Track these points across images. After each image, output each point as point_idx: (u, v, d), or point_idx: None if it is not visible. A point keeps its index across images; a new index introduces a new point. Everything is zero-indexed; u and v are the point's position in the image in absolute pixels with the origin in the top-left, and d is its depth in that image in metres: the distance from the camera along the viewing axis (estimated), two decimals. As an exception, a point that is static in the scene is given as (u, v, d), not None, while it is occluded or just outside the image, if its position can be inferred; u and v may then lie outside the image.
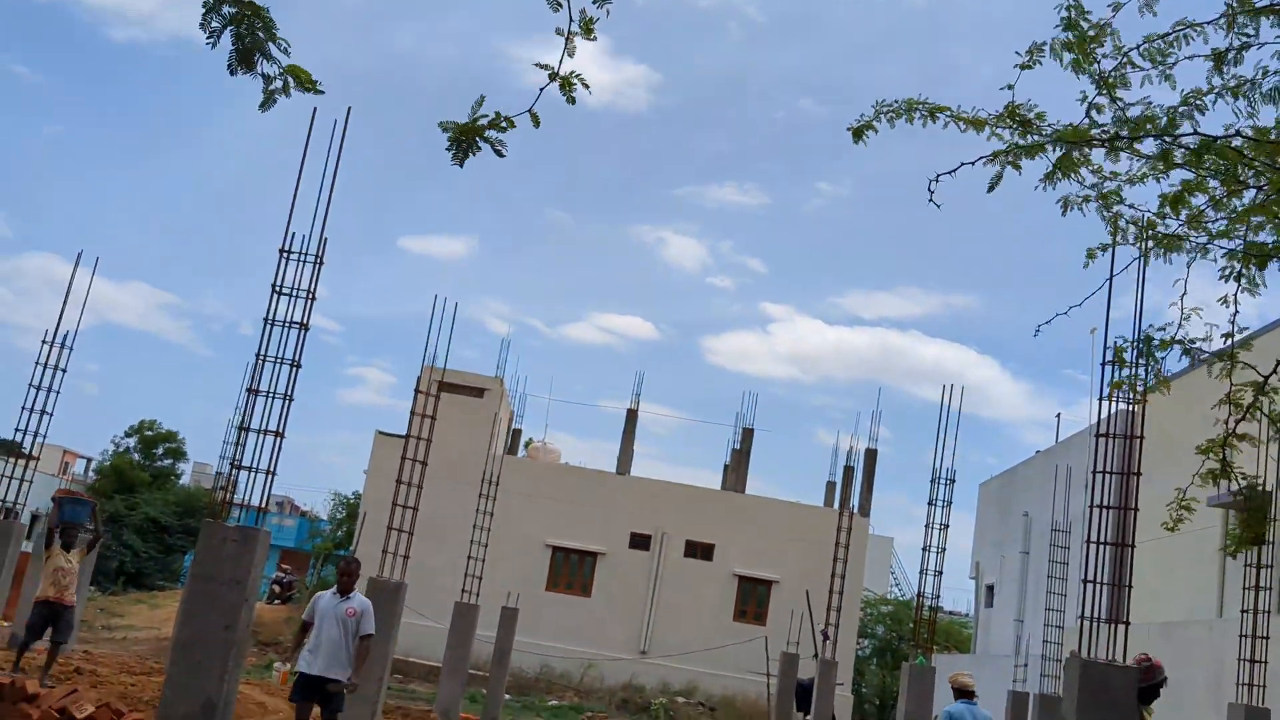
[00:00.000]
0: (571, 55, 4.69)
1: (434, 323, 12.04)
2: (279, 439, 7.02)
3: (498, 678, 18.10)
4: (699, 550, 31.44)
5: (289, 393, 7.07)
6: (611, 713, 24.33)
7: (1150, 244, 5.20)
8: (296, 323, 7.33)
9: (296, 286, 7.43)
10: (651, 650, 30.30)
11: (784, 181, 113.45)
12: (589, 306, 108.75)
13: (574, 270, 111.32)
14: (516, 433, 34.97)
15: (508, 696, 21.91)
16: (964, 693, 10.95)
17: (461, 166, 4.85)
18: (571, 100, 4.81)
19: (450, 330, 12.43)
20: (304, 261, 7.50)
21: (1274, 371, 4.41)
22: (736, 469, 33.91)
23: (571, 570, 31.32)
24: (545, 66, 4.78)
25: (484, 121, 4.80)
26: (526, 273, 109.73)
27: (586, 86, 4.79)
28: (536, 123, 4.84)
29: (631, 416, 33.25)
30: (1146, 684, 7.51)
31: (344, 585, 9.73)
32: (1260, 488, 9.23)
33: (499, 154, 4.91)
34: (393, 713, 15.53)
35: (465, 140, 4.75)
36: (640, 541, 31.31)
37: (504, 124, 4.79)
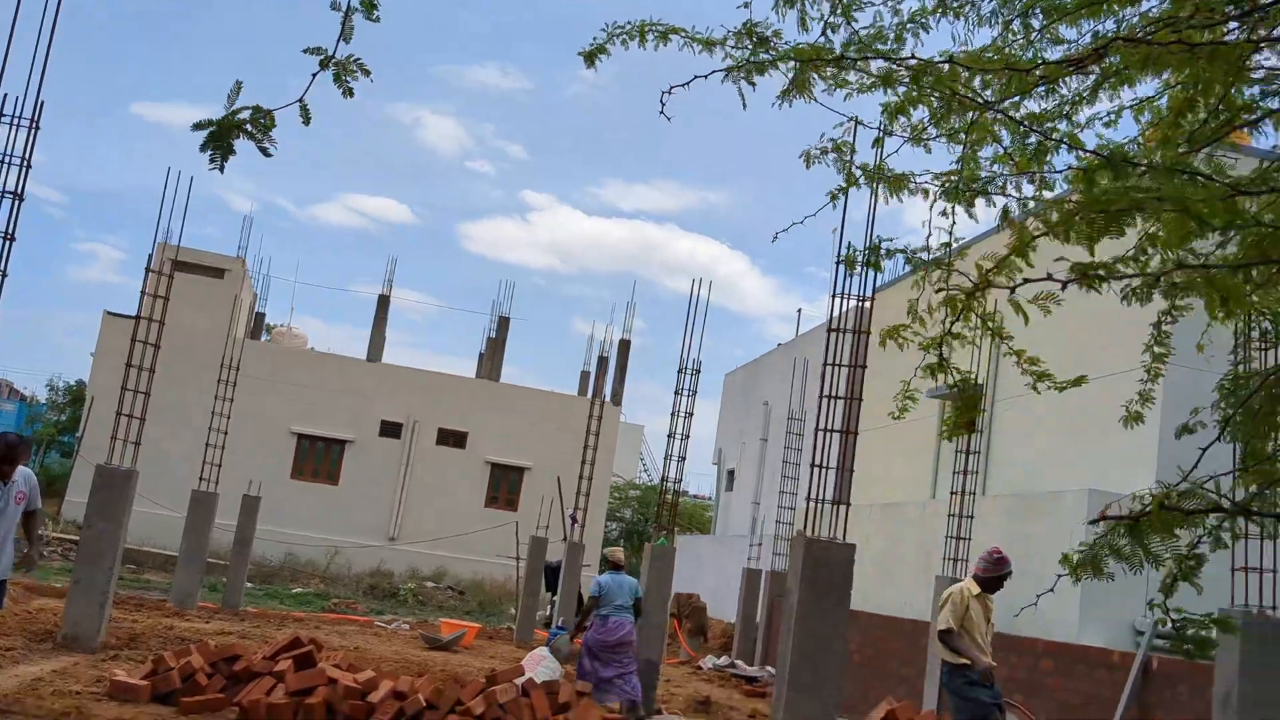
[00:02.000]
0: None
1: (168, 197, 11.27)
2: (-11, 316, 6.49)
3: (238, 566, 17.66)
4: (451, 438, 31.43)
5: (3, 269, 6.52)
6: (358, 598, 24.26)
7: (880, 186, 5.47)
8: (10, 192, 6.74)
9: (9, 153, 6.82)
10: (401, 537, 30.28)
11: (546, 65, 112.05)
12: (340, 187, 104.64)
13: (325, 148, 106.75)
14: (260, 316, 33.58)
15: (250, 585, 21.43)
16: (614, 565, 12.20)
17: (222, 172, 4.31)
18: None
19: (185, 206, 11.68)
20: (18, 126, 6.88)
21: (983, 282, 4.78)
22: (492, 357, 33.91)
23: (318, 458, 30.70)
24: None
25: (244, 116, 4.23)
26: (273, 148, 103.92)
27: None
28: (306, 119, 4.30)
29: (384, 302, 32.55)
30: (995, 575, 8.21)
31: (4, 473, 7.97)
32: (973, 380, 10.06)
33: (265, 154, 4.36)
34: (125, 603, 14.92)
35: (222, 139, 4.18)
36: (391, 429, 30.98)
37: (264, 120, 4.25)
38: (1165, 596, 4.24)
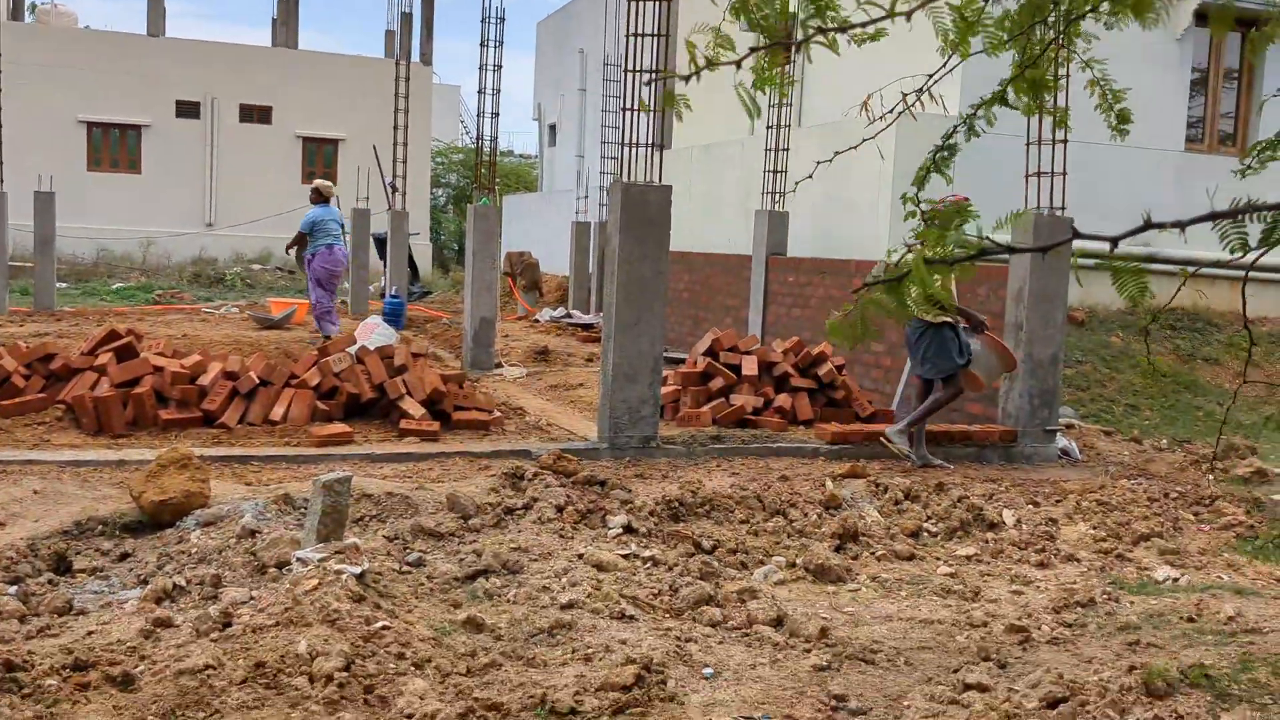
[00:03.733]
0: None
1: None
2: None
3: (44, 266, 16.83)
4: (256, 114, 29.75)
5: None
6: (184, 288, 23.64)
7: None
8: None
9: None
10: (218, 222, 29.20)
11: None
12: None
13: None
14: (18, -4, 30.26)
15: (63, 285, 20.59)
16: (324, 198, 13.39)
17: None
18: None
19: None
20: None
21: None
22: (286, 23, 31.63)
23: (113, 146, 28.78)
24: None
25: None
26: None
27: None
28: None
29: (157, -31, 29.59)
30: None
31: None
32: (784, 20, 9.87)
33: None
34: (-73, 316, 14.19)
35: None
36: (189, 109, 29.06)
37: None
38: (918, 189, 4.40)
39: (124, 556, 4.93)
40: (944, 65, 3.76)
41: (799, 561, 5.56)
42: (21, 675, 3.57)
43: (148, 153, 28.80)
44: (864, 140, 4.72)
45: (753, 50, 3.87)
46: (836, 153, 4.57)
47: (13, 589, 4.42)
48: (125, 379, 7.58)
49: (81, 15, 30.83)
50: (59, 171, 21.84)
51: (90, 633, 3.99)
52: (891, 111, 4.08)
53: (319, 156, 30.36)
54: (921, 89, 3.97)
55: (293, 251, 14.51)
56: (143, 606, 4.21)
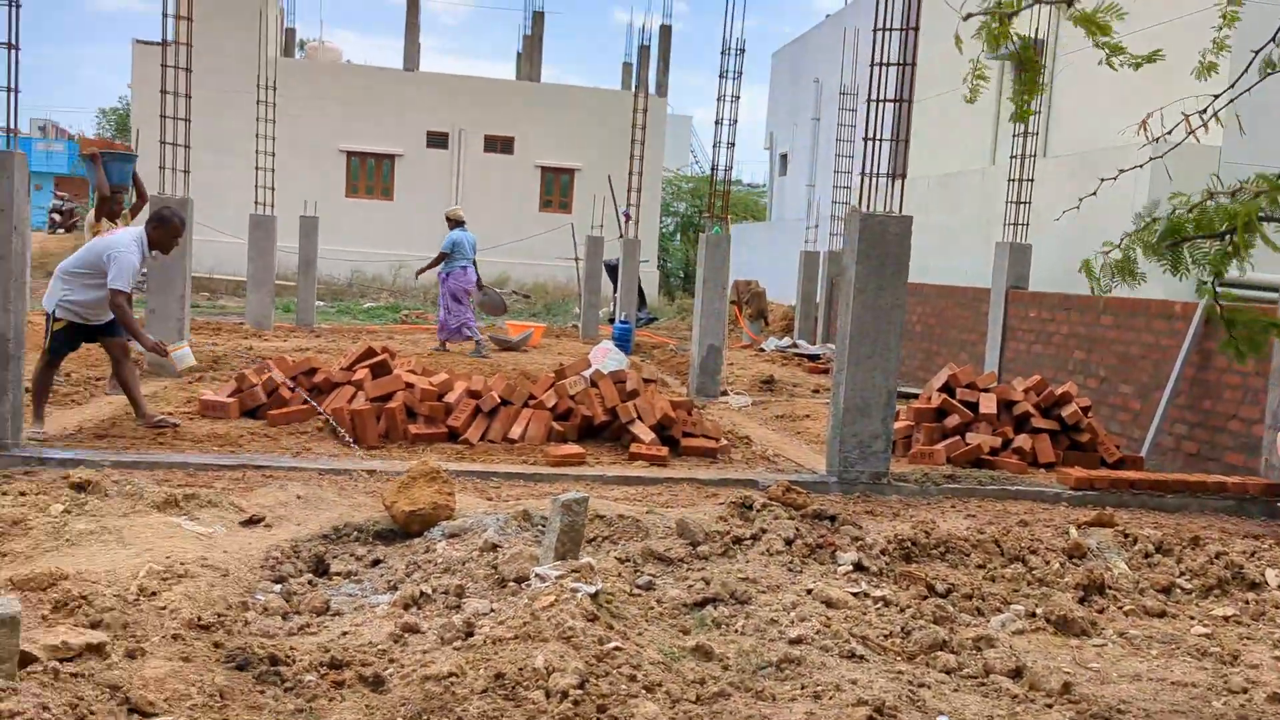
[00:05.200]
0: None
1: (176, -91, 10.73)
2: (12, 51, 6.33)
3: (306, 286, 18.10)
4: (499, 144, 31.09)
5: (15, -3, 6.30)
6: (427, 308, 24.86)
7: None
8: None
9: None
10: (461, 246, 30.60)
11: None
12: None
13: None
14: (290, 32, 32.71)
15: (321, 303, 22.03)
16: (459, 223, 15.06)
17: None
18: None
19: (196, -82, 11.12)
20: None
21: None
22: (530, 57, 32.96)
23: (369, 174, 30.68)
24: None
25: None
26: None
27: None
28: None
29: (413, 6, 31.42)
30: None
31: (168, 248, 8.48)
32: (1034, 50, 9.55)
33: None
34: (204, 328, 15.48)
35: None
36: (438, 140, 30.67)
37: None
38: (1215, 276, 4.00)
39: (376, 562, 5.20)
40: (1232, 85, 3.53)
41: (1039, 611, 5.31)
42: (284, 669, 3.81)
43: (399, 180, 30.55)
44: (1121, 171, 4.51)
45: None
46: (1102, 180, 4.36)
47: (277, 587, 4.74)
48: (379, 394, 8.04)
49: (345, 51, 33.03)
50: (321, 197, 23.47)
51: (345, 633, 4.23)
52: (1170, 132, 3.85)
53: (556, 185, 31.42)
54: (1206, 110, 3.73)
55: (425, 273, 15.52)
56: (392, 612, 4.42)
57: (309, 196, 21.05)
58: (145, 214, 9.20)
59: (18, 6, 6.32)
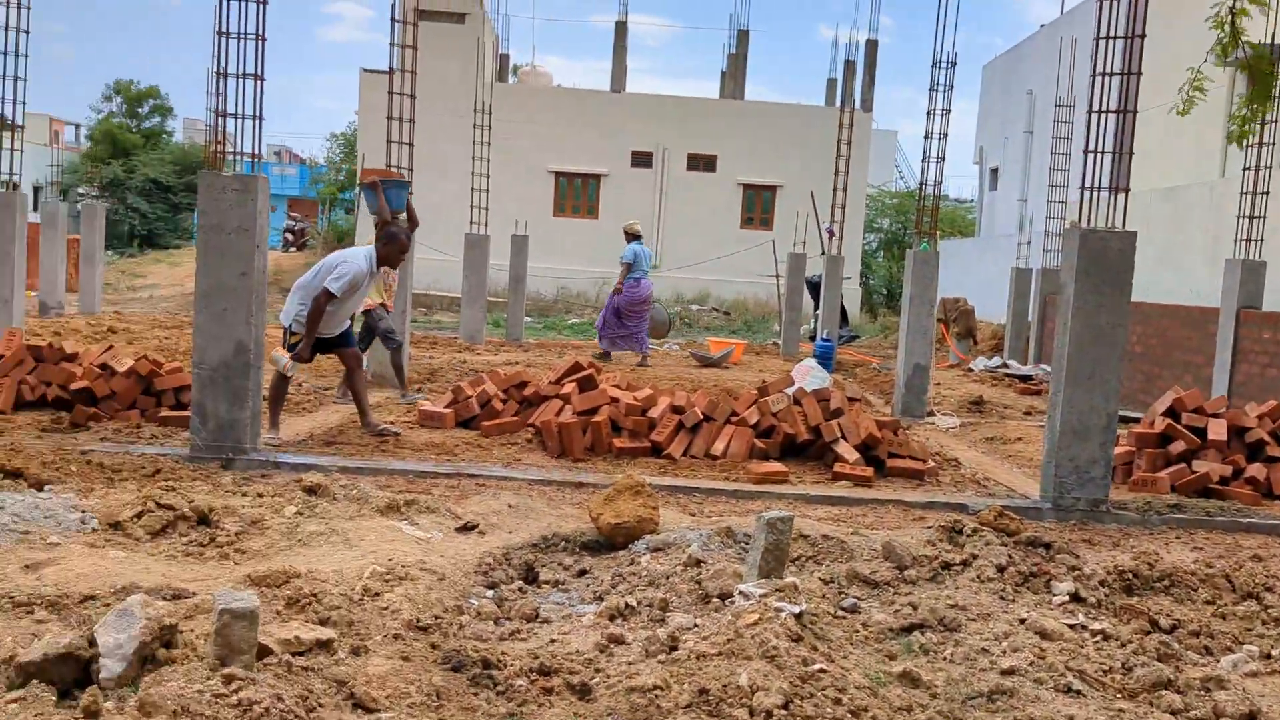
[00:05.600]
0: None
1: (402, -55, 11.35)
2: (259, 82, 6.82)
3: (516, 302, 18.71)
4: (702, 162, 31.35)
5: (260, 31, 6.79)
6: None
7: None
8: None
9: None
10: (662, 264, 30.99)
11: None
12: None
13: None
14: (504, 58, 33.93)
15: (528, 319, 22.71)
16: (636, 236, 15.39)
17: None
18: None
19: (420, -48, 11.73)
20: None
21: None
22: (734, 75, 33.12)
23: (576, 194, 31.44)
24: None
25: None
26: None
27: None
28: None
29: (621, 30, 32.09)
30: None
31: (395, 263, 9.08)
32: (1271, 49, 8.96)
33: None
34: (421, 342, 16.21)
35: None
36: (642, 159, 31.17)
37: None
38: None
39: (582, 573, 5.32)
40: None
41: (1275, 653, 4.95)
42: (496, 673, 3.93)
43: (604, 199, 31.20)
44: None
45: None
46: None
47: (490, 593, 4.91)
48: (585, 408, 8.23)
49: (555, 74, 34.05)
50: (530, 216, 24.22)
51: (553, 640, 4.34)
52: None
53: (758, 202, 31.42)
54: None
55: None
56: (598, 622, 4.51)
57: (519, 216, 21.76)
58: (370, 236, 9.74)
59: (263, 40, 6.80)
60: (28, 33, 12.73)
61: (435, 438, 8.40)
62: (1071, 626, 4.93)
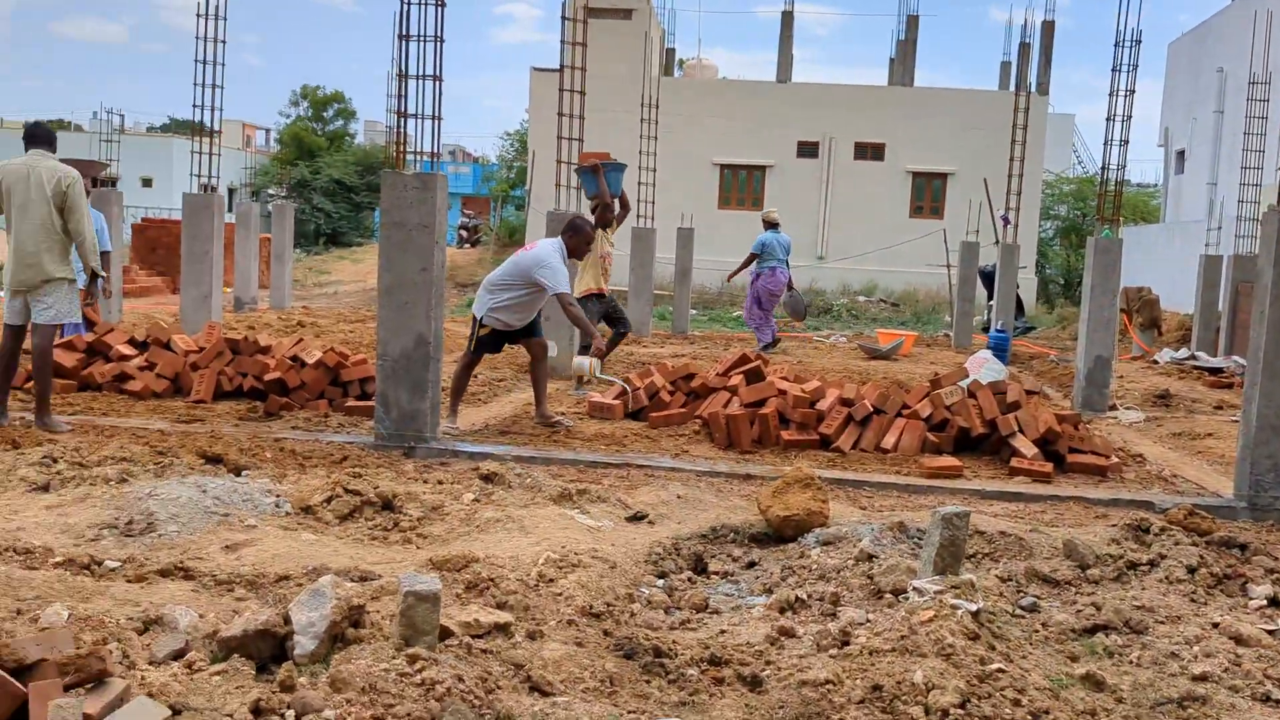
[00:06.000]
0: None
1: (571, -56, 11.56)
2: (438, 83, 7.05)
3: (681, 295, 18.81)
4: (869, 151, 30.84)
5: (439, 33, 7.02)
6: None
7: None
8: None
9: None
10: (828, 255, 30.63)
11: None
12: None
13: None
14: (670, 53, 34.10)
15: (694, 311, 22.79)
16: (772, 225, 15.25)
17: None
18: None
19: (589, -50, 11.92)
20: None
21: None
22: (903, 62, 32.45)
23: (741, 186, 31.37)
24: None
25: None
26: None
27: None
28: None
29: (787, 20, 31.83)
30: None
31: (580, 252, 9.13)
32: None
33: None
34: (588, 335, 16.46)
35: None
36: (808, 149, 30.86)
37: None
38: None
39: (751, 564, 5.32)
40: None
41: None
42: (667, 661, 3.98)
43: (769, 191, 31.02)
44: None
45: None
46: None
47: (660, 582, 4.96)
48: (753, 399, 8.22)
49: (720, 67, 34.06)
50: (695, 209, 24.30)
51: (723, 631, 4.35)
52: None
53: (927, 190, 30.72)
54: None
55: (736, 277, 15.85)
56: (768, 614, 4.51)
57: (684, 209, 21.86)
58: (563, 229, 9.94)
59: (442, 41, 7.03)
60: (224, 43, 13.46)
61: (604, 428, 8.53)
62: (1270, 632, 4.67)
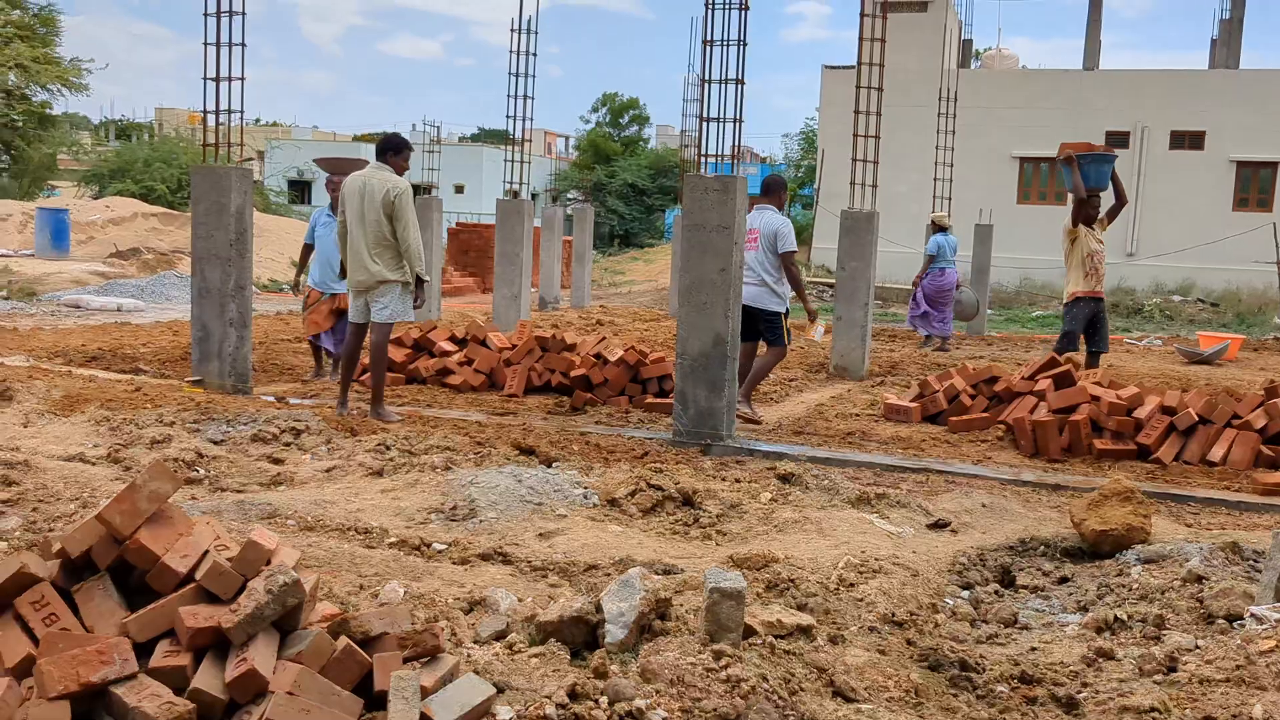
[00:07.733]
0: None
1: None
2: (740, 86, 7.14)
3: (978, 293, 18.14)
4: (1187, 140, 28.62)
5: (741, 37, 7.10)
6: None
7: None
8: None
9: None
10: (1139, 251, 28.68)
11: None
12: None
13: None
14: (967, 44, 32.96)
15: (990, 311, 21.96)
16: (942, 228, 15.49)
17: None
18: None
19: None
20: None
21: None
22: (1227, 43, 29.93)
23: (1042, 180, 29.89)
24: None
25: None
26: None
27: None
28: None
29: (1096, 4, 30.06)
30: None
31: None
32: None
33: None
34: (879, 335, 16.19)
35: None
36: (1118, 139, 28.98)
37: None
38: None
39: (1063, 580, 5.07)
40: None
41: None
42: (974, 676, 3.86)
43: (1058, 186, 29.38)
44: None
45: None
46: None
47: (965, 594, 4.82)
48: (1062, 405, 7.82)
49: (1021, 57, 32.61)
50: (993, 205, 23.37)
51: (1033, 649, 4.17)
52: None
53: (1254, 181, 28.21)
54: None
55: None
56: (1083, 633, 4.28)
57: (981, 204, 21.06)
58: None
59: (744, 45, 7.11)
60: (534, 55, 14.16)
61: (900, 431, 8.36)
62: None
